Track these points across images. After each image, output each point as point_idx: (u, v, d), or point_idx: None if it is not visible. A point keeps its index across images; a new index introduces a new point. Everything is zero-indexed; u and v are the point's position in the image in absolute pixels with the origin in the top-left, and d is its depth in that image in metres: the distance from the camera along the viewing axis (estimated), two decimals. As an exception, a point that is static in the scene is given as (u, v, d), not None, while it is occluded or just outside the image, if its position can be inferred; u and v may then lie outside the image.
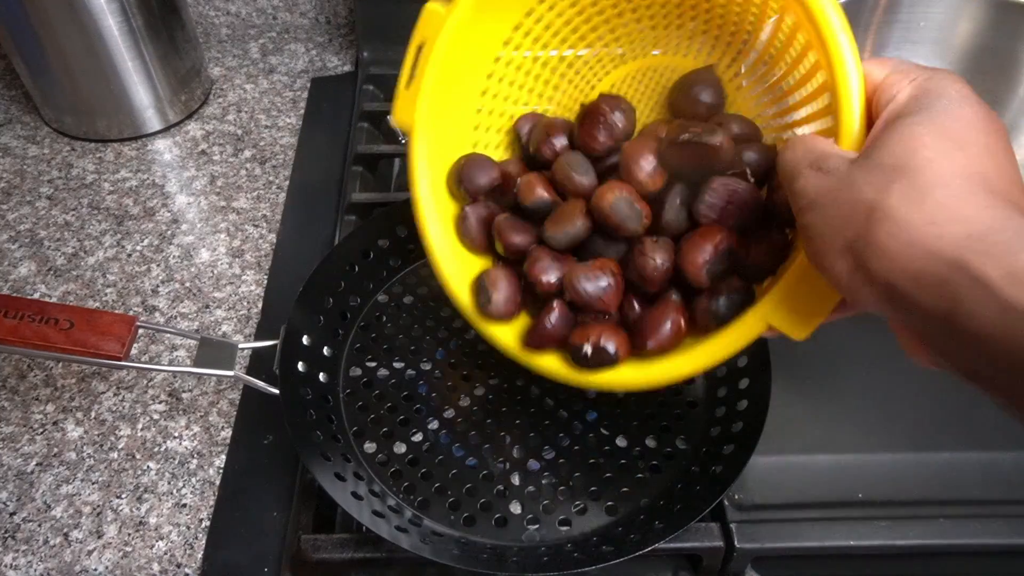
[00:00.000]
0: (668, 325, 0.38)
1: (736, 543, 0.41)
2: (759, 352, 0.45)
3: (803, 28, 0.34)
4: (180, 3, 0.70)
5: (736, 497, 0.43)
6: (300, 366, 0.46)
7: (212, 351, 0.45)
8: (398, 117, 0.42)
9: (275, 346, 0.46)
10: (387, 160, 0.67)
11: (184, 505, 0.46)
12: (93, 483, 0.47)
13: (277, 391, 0.44)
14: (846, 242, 0.27)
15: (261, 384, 0.45)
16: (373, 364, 0.49)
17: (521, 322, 0.42)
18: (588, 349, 0.38)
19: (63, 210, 0.64)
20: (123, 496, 0.47)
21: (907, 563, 0.44)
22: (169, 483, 0.47)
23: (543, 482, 0.44)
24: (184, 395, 0.52)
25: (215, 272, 0.60)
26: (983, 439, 0.46)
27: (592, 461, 0.45)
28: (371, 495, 0.42)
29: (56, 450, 0.49)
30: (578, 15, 0.43)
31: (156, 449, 0.49)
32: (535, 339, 0.40)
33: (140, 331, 0.45)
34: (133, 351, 0.47)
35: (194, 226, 0.63)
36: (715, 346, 0.36)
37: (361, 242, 0.52)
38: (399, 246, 0.54)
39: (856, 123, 0.31)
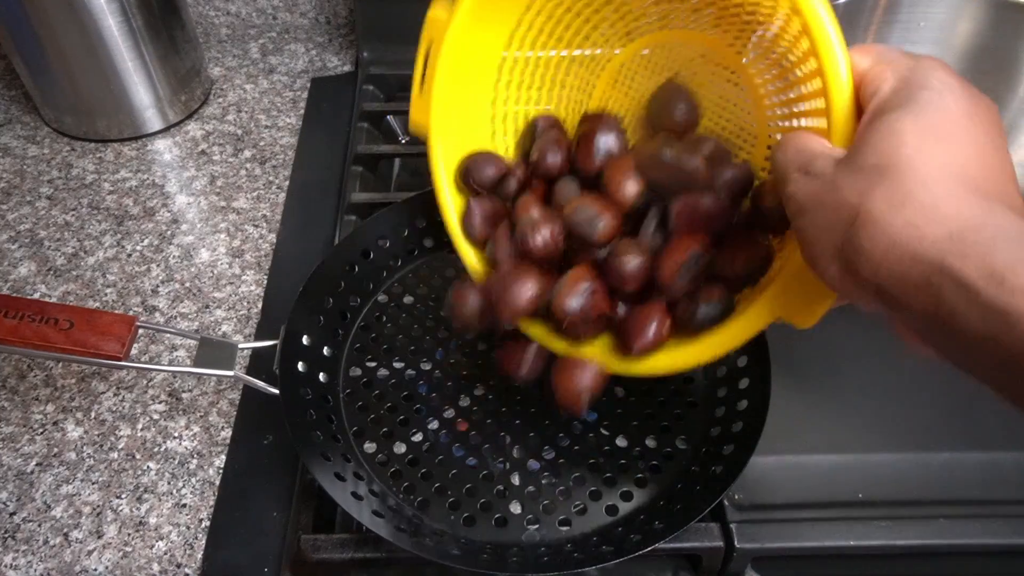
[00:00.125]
0: (654, 326, 0.40)
1: (736, 543, 0.41)
2: (759, 352, 0.45)
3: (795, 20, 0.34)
4: (180, 3, 0.70)
5: (736, 497, 0.43)
6: (300, 366, 0.46)
7: (212, 351, 0.45)
8: (414, 120, 0.45)
9: (275, 346, 0.46)
10: (387, 160, 0.67)
11: (184, 505, 0.46)
12: (93, 483, 0.47)
13: (277, 391, 0.44)
14: (835, 246, 0.27)
15: (261, 384, 0.45)
16: (373, 364, 0.49)
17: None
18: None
19: (63, 210, 0.64)
20: (123, 496, 0.47)
21: (907, 563, 0.44)
22: (169, 483, 0.47)
23: (543, 482, 0.44)
24: (184, 395, 0.52)
25: (215, 272, 0.60)
26: (983, 439, 0.46)
27: (592, 461, 0.45)
28: (371, 495, 0.42)
29: (56, 450, 0.49)
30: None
31: (156, 449, 0.49)
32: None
33: (140, 331, 0.45)
34: (133, 351, 0.47)
35: (194, 226, 0.63)
36: (732, 331, 0.38)
37: (361, 242, 0.52)
38: (399, 246, 0.54)
39: (844, 118, 0.31)
